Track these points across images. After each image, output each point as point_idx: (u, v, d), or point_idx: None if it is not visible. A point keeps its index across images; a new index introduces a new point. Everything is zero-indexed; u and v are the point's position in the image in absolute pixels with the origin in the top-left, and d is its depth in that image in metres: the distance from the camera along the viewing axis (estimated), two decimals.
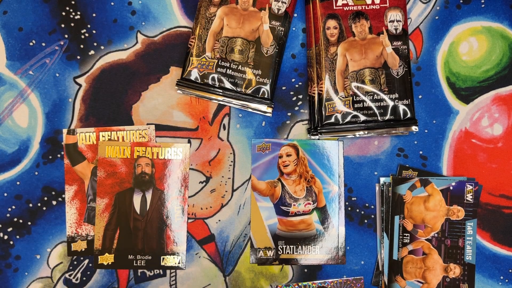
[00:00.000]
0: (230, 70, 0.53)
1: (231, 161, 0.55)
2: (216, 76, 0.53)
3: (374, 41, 0.54)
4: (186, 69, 0.54)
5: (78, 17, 0.55)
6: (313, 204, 0.55)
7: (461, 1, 0.57)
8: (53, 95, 0.55)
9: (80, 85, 0.55)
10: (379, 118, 0.53)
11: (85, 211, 0.55)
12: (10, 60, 0.55)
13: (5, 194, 0.55)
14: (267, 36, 0.54)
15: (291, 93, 0.56)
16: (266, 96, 0.54)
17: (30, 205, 0.55)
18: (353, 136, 0.55)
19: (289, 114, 0.56)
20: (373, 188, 0.56)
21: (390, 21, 0.55)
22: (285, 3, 0.54)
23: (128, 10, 0.56)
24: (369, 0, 0.55)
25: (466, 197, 0.55)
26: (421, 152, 0.56)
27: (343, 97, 0.53)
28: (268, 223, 0.55)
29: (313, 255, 0.55)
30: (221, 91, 0.53)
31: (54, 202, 0.55)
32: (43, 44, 0.55)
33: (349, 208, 0.55)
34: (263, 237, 0.55)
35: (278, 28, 0.54)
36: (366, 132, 0.54)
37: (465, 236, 0.55)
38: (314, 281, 0.55)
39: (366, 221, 0.55)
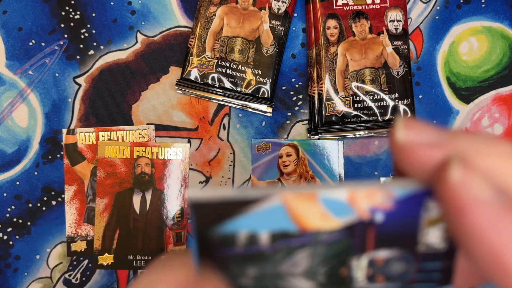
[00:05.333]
0: (230, 70, 0.53)
1: (231, 161, 0.55)
2: (216, 76, 0.53)
3: (374, 41, 0.54)
4: (186, 69, 0.53)
5: (77, 17, 0.55)
6: None
7: (461, 1, 0.57)
8: (53, 95, 0.55)
9: (80, 85, 0.55)
10: (379, 118, 0.53)
11: (85, 211, 0.54)
12: (9, 60, 0.55)
13: (5, 194, 0.54)
14: (267, 36, 0.54)
15: (291, 93, 0.56)
16: (266, 96, 0.54)
17: (30, 205, 0.54)
18: (353, 136, 0.54)
19: (289, 114, 0.56)
20: None
21: (390, 21, 0.54)
22: (285, 2, 0.54)
23: (127, 10, 0.56)
24: (369, 0, 0.55)
25: None
26: None
27: (343, 97, 0.53)
28: None
29: None
30: (221, 91, 0.53)
31: (53, 202, 0.54)
32: (43, 44, 0.55)
33: None
34: None
35: (278, 27, 0.54)
36: (366, 132, 0.53)
37: None
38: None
39: None
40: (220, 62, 0.53)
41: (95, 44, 0.55)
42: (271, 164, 0.55)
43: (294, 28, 0.56)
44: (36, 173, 0.55)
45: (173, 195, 0.55)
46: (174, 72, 0.55)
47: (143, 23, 0.56)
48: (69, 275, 0.55)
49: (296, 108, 0.56)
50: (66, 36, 0.55)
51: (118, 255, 0.54)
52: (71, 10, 0.55)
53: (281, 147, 0.55)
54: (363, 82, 0.53)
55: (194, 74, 0.53)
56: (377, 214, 0.14)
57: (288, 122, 0.56)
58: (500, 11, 0.56)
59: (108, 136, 0.55)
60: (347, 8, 0.54)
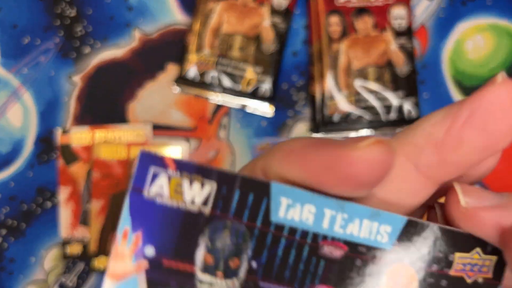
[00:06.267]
0: (230, 68, 0.53)
1: (231, 162, 0.55)
2: (215, 74, 0.53)
3: (378, 38, 0.53)
4: (184, 67, 0.53)
5: (73, 14, 0.55)
6: None
7: None
8: (48, 94, 0.54)
9: (75, 84, 0.55)
10: (383, 117, 0.53)
11: (81, 213, 0.54)
12: (4, 58, 0.54)
13: None
14: (267, 33, 0.53)
15: (292, 91, 0.55)
16: (266, 95, 0.53)
17: (25, 206, 0.54)
18: (356, 135, 0.54)
19: (290, 113, 0.55)
20: None
21: (394, 18, 0.54)
22: None
23: (124, 7, 0.55)
24: None
25: None
26: None
27: (345, 96, 0.53)
28: None
29: None
30: (220, 89, 0.53)
31: (49, 204, 0.54)
32: (38, 42, 0.55)
33: None
34: None
35: (279, 25, 0.53)
36: (369, 132, 0.53)
37: None
38: None
39: None
40: (220, 60, 0.53)
41: (91, 41, 0.55)
42: None
43: (295, 26, 0.55)
44: (30, 173, 0.54)
45: None
46: (172, 70, 0.55)
47: (140, 20, 0.55)
48: (65, 278, 0.54)
49: (298, 107, 0.55)
50: (61, 33, 0.55)
51: None
52: (66, 7, 0.55)
53: None
54: (366, 80, 0.53)
55: (192, 72, 0.53)
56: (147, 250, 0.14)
57: (289, 121, 0.55)
58: (506, 8, 0.56)
59: (104, 135, 0.54)
60: (350, 5, 0.54)
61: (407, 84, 0.53)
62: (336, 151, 0.13)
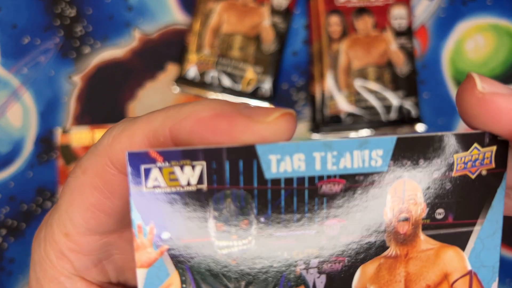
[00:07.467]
0: (230, 68, 0.53)
1: None
2: (215, 74, 0.53)
3: (378, 38, 0.53)
4: (184, 66, 0.53)
5: (73, 14, 0.55)
6: None
7: None
8: (48, 93, 0.54)
9: (75, 84, 0.55)
10: (383, 117, 0.52)
11: None
12: (4, 58, 0.54)
13: None
14: (268, 33, 0.53)
15: (293, 91, 0.55)
16: (266, 95, 0.53)
17: (24, 206, 0.54)
18: (356, 135, 0.53)
19: None
20: None
21: (394, 18, 0.54)
22: None
23: (124, 7, 0.55)
24: None
25: None
26: None
27: (345, 96, 0.53)
28: None
29: None
30: (220, 89, 0.53)
31: (48, 204, 0.54)
32: (38, 42, 0.54)
33: None
34: None
35: (279, 24, 0.53)
36: (369, 132, 0.53)
37: None
38: None
39: None
40: (220, 60, 0.52)
41: (91, 41, 0.55)
42: None
43: (295, 25, 0.55)
44: (30, 174, 0.54)
45: None
46: (172, 70, 0.55)
47: (140, 20, 0.55)
48: None
49: (298, 107, 0.55)
50: (61, 33, 0.55)
51: None
52: (66, 7, 0.55)
53: None
54: (366, 80, 0.53)
55: (192, 72, 0.53)
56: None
57: None
58: (507, 8, 0.56)
59: None
60: (350, 5, 0.54)
61: (407, 84, 0.53)
62: (249, 125, 0.14)
